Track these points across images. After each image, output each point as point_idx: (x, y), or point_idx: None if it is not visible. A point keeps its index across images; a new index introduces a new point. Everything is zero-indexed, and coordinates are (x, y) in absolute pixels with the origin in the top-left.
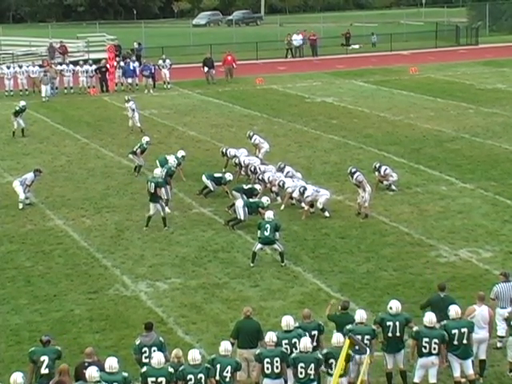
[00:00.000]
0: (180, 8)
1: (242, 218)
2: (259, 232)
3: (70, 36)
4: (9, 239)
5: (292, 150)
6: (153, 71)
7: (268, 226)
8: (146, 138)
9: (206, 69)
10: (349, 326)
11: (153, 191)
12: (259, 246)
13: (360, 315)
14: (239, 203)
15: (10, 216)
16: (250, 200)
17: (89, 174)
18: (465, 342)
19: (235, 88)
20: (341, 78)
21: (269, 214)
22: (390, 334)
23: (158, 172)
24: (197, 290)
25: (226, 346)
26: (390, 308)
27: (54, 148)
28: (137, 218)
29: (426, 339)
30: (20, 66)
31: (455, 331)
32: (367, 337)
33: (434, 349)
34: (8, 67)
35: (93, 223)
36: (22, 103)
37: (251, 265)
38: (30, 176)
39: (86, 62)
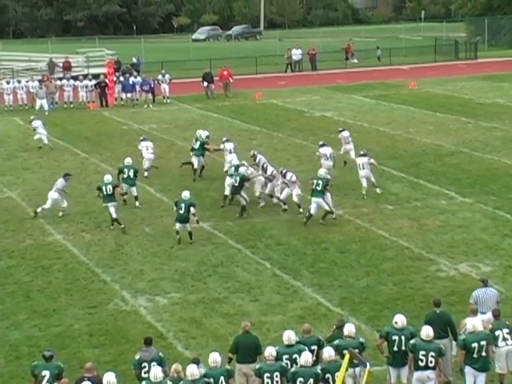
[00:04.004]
0: (179, 23)
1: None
2: (175, 210)
3: (69, 51)
4: (8, 254)
5: (291, 164)
6: (152, 86)
7: (183, 204)
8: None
9: (205, 83)
10: (336, 341)
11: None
12: (177, 224)
13: (348, 329)
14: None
15: (10, 231)
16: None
17: (88, 188)
18: (484, 354)
19: (235, 102)
20: (340, 92)
21: (185, 194)
22: (395, 348)
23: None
24: (196, 304)
25: (214, 358)
26: (396, 322)
27: (54, 163)
28: (136, 233)
29: (423, 352)
30: (19, 81)
31: (475, 345)
32: (356, 350)
33: (431, 362)
34: (8, 82)
35: (92, 238)
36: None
37: (179, 244)
38: (60, 182)
39: (85, 76)
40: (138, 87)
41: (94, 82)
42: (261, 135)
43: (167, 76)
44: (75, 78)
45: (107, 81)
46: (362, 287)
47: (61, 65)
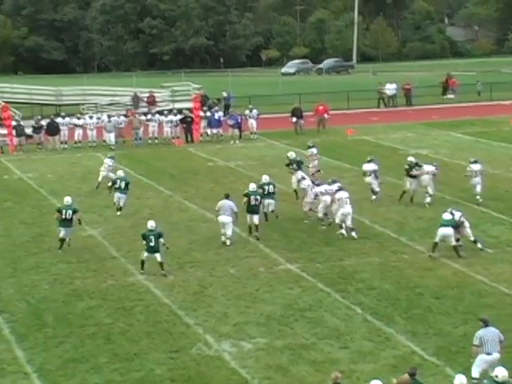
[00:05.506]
0: (268, 56)
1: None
2: (144, 242)
3: (154, 85)
4: (89, 295)
5: (384, 204)
6: (239, 121)
7: (152, 236)
8: None
9: (294, 119)
10: None
11: None
12: (146, 254)
13: (460, 380)
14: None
15: (91, 271)
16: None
17: (172, 227)
18: None
19: (325, 139)
20: (436, 129)
21: (151, 224)
22: None
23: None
24: (283, 350)
25: None
26: (496, 376)
27: (137, 200)
28: (220, 274)
29: None
30: (109, 116)
31: None
32: None
33: None
34: (91, 117)
35: (175, 279)
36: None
37: (141, 271)
38: (231, 204)
39: (170, 111)
40: (222, 119)
41: (179, 117)
42: (352, 173)
43: (255, 111)
44: (160, 113)
45: (193, 116)
46: (459, 336)
47: (145, 99)
